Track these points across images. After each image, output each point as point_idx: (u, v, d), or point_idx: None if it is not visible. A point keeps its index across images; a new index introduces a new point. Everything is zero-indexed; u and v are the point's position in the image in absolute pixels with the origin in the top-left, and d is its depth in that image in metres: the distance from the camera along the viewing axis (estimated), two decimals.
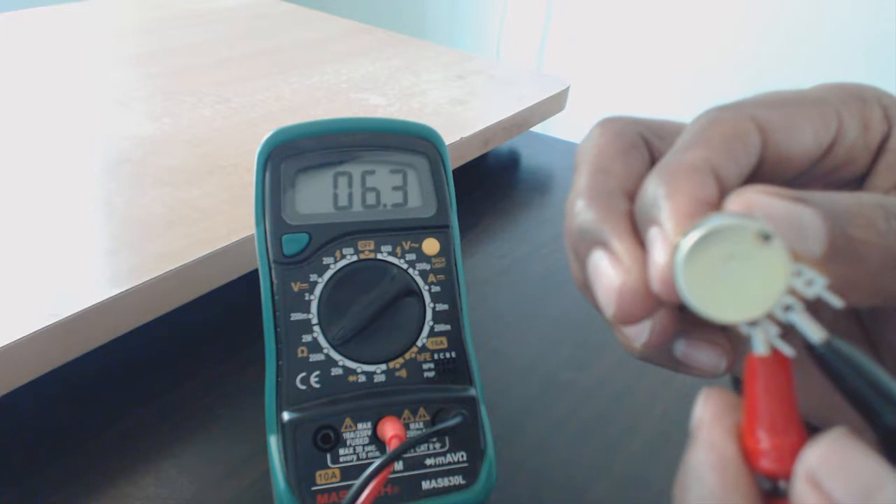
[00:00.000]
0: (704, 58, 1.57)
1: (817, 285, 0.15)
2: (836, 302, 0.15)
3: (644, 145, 0.19)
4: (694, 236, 0.15)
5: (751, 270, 0.15)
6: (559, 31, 1.78)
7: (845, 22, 1.40)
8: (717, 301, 0.15)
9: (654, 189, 0.16)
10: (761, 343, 0.15)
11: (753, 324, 0.15)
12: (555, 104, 0.55)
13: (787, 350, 0.15)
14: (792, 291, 0.15)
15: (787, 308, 0.15)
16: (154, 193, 0.38)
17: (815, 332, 0.15)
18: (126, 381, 0.32)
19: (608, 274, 0.17)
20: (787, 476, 0.14)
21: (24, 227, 0.35)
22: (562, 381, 0.35)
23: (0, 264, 0.32)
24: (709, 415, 0.16)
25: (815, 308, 0.15)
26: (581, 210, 0.18)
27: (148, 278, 0.31)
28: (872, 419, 0.14)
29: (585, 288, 0.20)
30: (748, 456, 0.15)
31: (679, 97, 1.60)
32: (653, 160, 0.19)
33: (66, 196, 0.38)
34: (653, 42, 1.63)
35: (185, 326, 0.35)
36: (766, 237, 0.15)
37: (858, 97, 0.19)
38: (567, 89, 0.56)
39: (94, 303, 0.30)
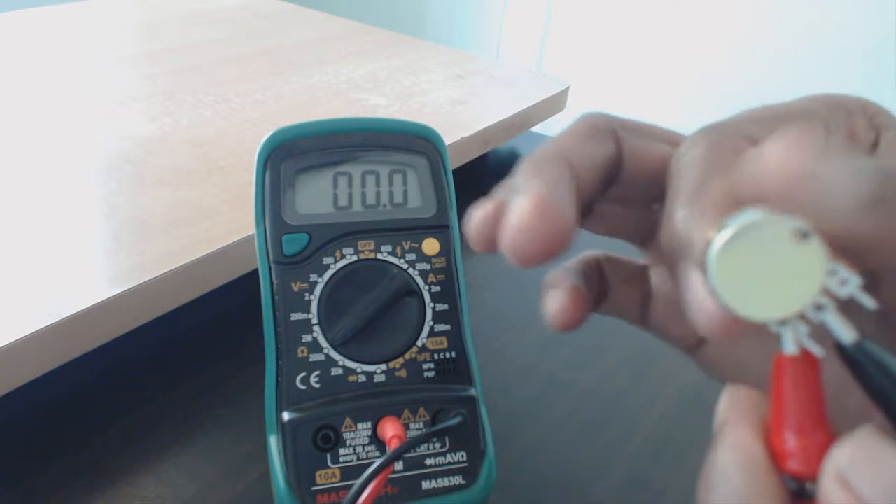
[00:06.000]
0: (704, 58, 1.57)
1: (851, 285, 0.15)
2: (870, 303, 0.14)
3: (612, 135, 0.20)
4: (728, 233, 0.15)
5: (785, 268, 0.15)
6: (559, 31, 1.78)
7: (847, 21, 1.40)
8: (749, 298, 0.15)
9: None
10: (791, 342, 0.15)
11: (784, 323, 0.15)
12: (555, 104, 0.55)
13: (817, 350, 0.15)
14: (825, 290, 0.15)
15: (819, 307, 0.15)
16: (154, 193, 0.38)
17: (846, 333, 0.15)
18: (126, 381, 0.32)
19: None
20: (815, 478, 0.14)
21: (25, 227, 0.35)
22: (562, 382, 0.35)
23: (0, 264, 0.32)
24: (734, 414, 0.16)
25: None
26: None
27: (148, 278, 0.31)
28: None
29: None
30: (775, 456, 0.15)
31: (679, 97, 1.60)
32: (618, 150, 0.20)
33: (67, 196, 0.38)
34: (653, 42, 1.63)
35: (185, 326, 0.35)
36: (803, 234, 0.14)
37: (843, 107, 0.19)
38: (567, 89, 0.56)
39: (94, 303, 0.30)
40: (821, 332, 0.15)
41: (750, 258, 0.15)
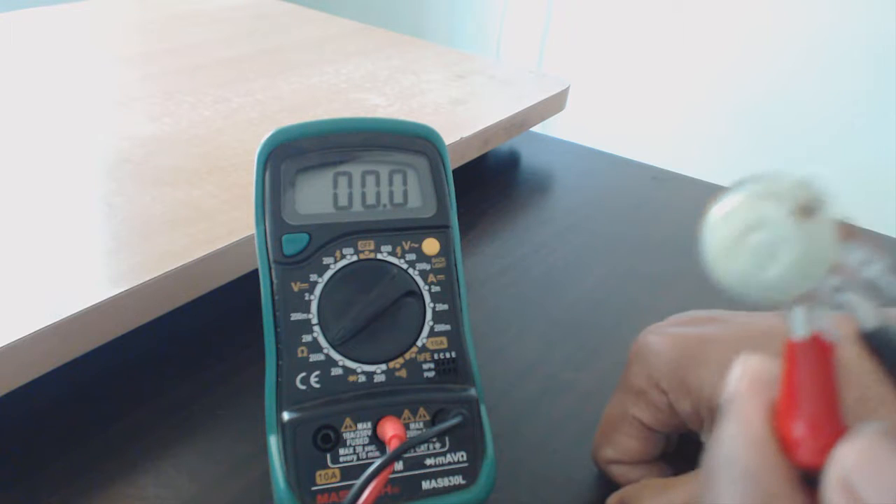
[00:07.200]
0: (704, 58, 1.57)
1: (875, 267, 0.13)
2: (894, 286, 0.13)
3: None
4: (727, 202, 0.13)
5: (794, 243, 0.13)
6: (559, 31, 1.78)
7: (850, 25, 1.40)
8: (753, 277, 0.13)
9: None
10: (801, 325, 0.14)
11: (795, 303, 0.14)
12: (555, 104, 0.55)
13: (832, 335, 0.14)
14: (841, 270, 0.13)
15: (837, 289, 0.13)
16: (154, 193, 0.38)
17: (868, 315, 0.13)
18: (126, 381, 0.32)
19: None
20: (821, 469, 0.13)
21: (25, 227, 0.35)
22: (562, 382, 0.35)
23: (0, 264, 0.32)
24: (745, 388, 0.15)
25: None
26: None
27: (148, 278, 0.31)
28: None
29: None
30: (782, 443, 0.14)
31: (679, 97, 1.60)
32: None
33: (67, 196, 0.38)
34: (653, 42, 1.63)
35: (185, 326, 0.35)
36: (811, 208, 0.13)
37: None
38: (567, 89, 0.56)
39: (94, 303, 0.30)
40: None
41: (751, 231, 0.13)
